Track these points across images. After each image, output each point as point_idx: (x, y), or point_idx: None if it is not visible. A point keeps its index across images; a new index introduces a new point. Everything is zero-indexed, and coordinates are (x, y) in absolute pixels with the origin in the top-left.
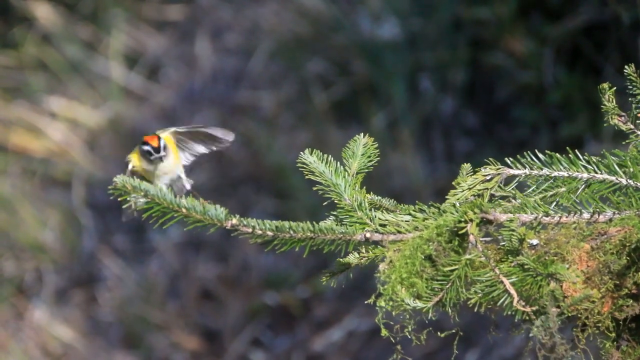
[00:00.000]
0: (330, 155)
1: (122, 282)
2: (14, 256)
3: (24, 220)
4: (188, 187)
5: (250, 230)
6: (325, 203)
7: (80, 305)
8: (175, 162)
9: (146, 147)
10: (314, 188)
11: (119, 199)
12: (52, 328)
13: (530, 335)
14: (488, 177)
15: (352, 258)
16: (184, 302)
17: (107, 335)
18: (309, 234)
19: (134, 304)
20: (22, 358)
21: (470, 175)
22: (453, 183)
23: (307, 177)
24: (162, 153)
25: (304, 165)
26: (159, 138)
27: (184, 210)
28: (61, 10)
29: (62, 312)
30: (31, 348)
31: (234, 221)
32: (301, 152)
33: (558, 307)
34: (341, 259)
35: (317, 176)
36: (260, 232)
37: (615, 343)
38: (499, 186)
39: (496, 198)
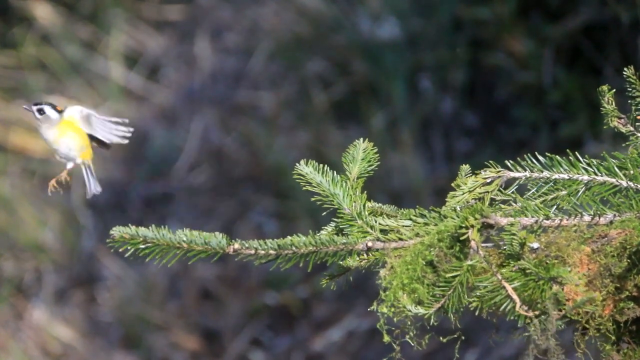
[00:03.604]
0: (326, 165)
1: (122, 282)
2: (14, 256)
3: (24, 220)
4: (91, 189)
5: (252, 252)
6: (326, 210)
7: (79, 305)
8: (60, 139)
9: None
10: (312, 199)
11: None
12: (52, 328)
13: (529, 334)
14: (488, 180)
15: (352, 261)
16: (184, 302)
17: (107, 335)
18: (311, 248)
19: (134, 304)
20: (22, 358)
21: (470, 177)
22: (452, 184)
23: (304, 188)
24: (37, 116)
25: (301, 177)
26: (45, 105)
27: (185, 245)
28: (61, 10)
29: (61, 312)
30: (31, 348)
31: (236, 246)
32: (297, 164)
33: (560, 310)
34: (341, 262)
35: (314, 187)
36: (262, 252)
37: (615, 346)
38: (499, 190)
39: (497, 203)
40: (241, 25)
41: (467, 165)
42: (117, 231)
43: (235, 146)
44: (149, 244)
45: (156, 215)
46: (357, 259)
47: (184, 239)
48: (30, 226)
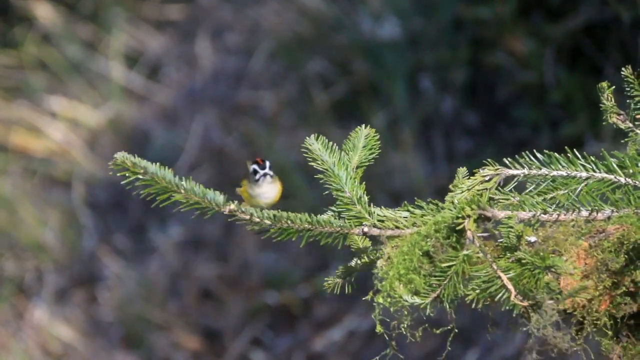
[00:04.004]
0: (334, 144)
1: (123, 282)
2: (14, 256)
3: (25, 220)
4: None
5: (247, 217)
6: (326, 193)
7: (80, 304)
8: (277, 196)
9: (253, 165)
10: (315, 176)
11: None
12: (53, 327)
13: (528, 331)
14: (487, 178)
15: (355, 263)
16: (185, 302)
17: (108, 334)
18: (306, 225)
19: (135, 304)
20: (23, 357)
21: (468, 178)
22: (450, 186)
23: (309, 163)
24: (267, 171)
25: (308, 151)
26: (265, 160)
27: (182, 191)
28: (61, 10)
29: (62, 312)
30: (31, 347)
31: (232, 207)
32: (307, 137)
33: (554, 299)
34: (343, 266)
35: (319, 164)
36: (257, 219)
37: (615, 339)
38: (497, 189)
39: (496, 201)
40: (242, 25)
41: (466, 166)
42: (120, 155)
43: (236, 146)
44: (148, 178)
45: (156, 215)
46: (359, 262)
47: (184, 185)
48: (31, 226)
